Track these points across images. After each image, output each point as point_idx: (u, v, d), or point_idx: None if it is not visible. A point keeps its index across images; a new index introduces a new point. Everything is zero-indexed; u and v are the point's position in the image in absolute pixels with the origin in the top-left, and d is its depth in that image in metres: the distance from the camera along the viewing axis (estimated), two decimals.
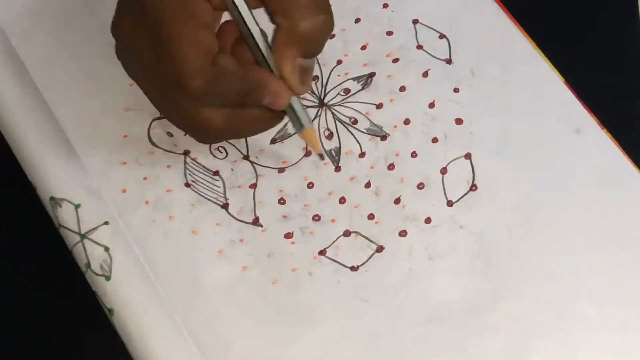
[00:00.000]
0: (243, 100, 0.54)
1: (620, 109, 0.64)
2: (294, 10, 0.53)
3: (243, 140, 0.62)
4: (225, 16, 0.55)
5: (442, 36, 0.64)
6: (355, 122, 0.62)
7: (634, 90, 0.65)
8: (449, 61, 0.64)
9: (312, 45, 0.55)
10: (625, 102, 0.64)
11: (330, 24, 0.54)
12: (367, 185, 0.61)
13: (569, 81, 0.63)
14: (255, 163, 0.61)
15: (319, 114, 0.63)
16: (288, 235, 0.60)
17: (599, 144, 0.61)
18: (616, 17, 0.67)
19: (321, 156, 0.59)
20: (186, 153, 0.62)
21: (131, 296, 0.57)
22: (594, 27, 0.67)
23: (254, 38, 0.54)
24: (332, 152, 0.62)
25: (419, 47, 0.64)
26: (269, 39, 0.55)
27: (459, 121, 0.62)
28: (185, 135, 0.62)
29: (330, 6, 0.54)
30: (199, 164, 0.61)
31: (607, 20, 0.67)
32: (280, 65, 0.54)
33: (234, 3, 0.54)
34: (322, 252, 0.59)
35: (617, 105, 0.64)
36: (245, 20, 0.54)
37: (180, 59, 0.52)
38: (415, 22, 0.65)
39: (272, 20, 0.54)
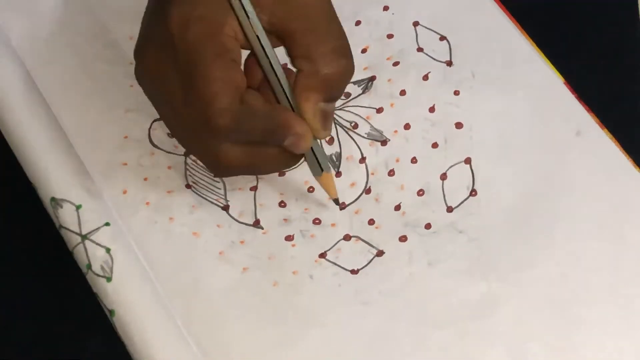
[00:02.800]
0: (266, 139, 0.54)
1: (620, 109, 0.64)
2: (317, 56, 0.53)
3: None
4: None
5: (442, 38, 0.64)
6: (356, 126, 0.62)
7: (634, 90, 0.65)
8: (449, 63, 0.64)
9: (334, 90, 0.55)
10: (625, 103, 0.64)
11: (352, 69, 0.55)
12: (368, 191, 0.61)
13: (569, 82, 0.63)
14: None
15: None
16: (289, 238, 0.60)
17: (600, 146, 0.61)
18: (616, 17, 0.67)
19: (336, 201, 0.59)
20: (187, 154, 0.62)
21: (132, 297, 0.57)
22: (594, 27, 0.67)
23: (278, 79, 0.54)
24: (333, 157, 0.62)
25: (420, 49, 0.64)
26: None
27: (459, 125, 0.62)
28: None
29: (351, 51, 0.55)
30: (200, 165, 0.61)
31: (607, 20, 0.67)
32: (302, 109, 0.54)
33: (260, 43, 0.53)
34: (322, 255, 0.59)
35: (617, 106, 0.64)
36: (271, 61, 0.54)
37: (210, 96, 0.52)
38: (415, 24, 0.65)
39: (293, 64, 0.54)
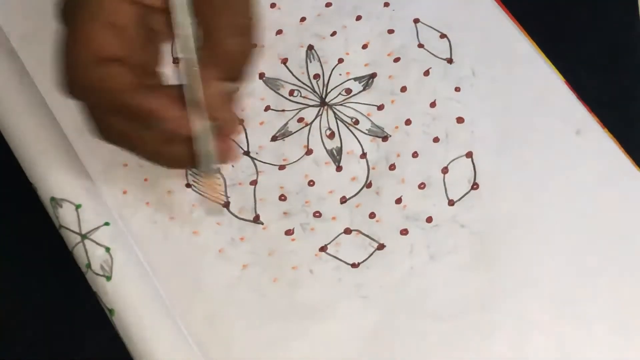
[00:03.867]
0: (139, 121, 0.52)
1: (620, 109, 0.64)
2: (218, 30, 0.52)
3: (243, 135, 0.62)
4: None
5: (443, 36, 0.64)
6: (357, 122, 0.62)
7: (634, 90, 0.65)
8: (449, 61, 0.64)
9: (232, 69, 0.53)
10: (625, 102, 0.64)
11: (249, 48, 0.53)
12: (369, 185, 0.61)
13: (569, 81, 0.63)
14: (256, 159, 0.62)
15: (320, 113, 0.63)
16: (289, 232, 0.60)
17: (600, 144, 0.61)
18: (616, 17, 0.67)
19: (223, 206, 0.59)
20: None
21: (132, 296, 0.57)
22: (594, 27, 0.66)
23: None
24: (334, 151, 0.62)
25: (420, 46, 0.64)
26: None
27: (460, 120, 0.62)
28: None
29: (252, 31, 0.53)
30: None
31: (607, 20, 0.67)
32: (202, 87, 0.52)
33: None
34: (322, 249, 0.59)
35: (617, 105, 0.64)
36: (175, 31, 0.52)
37: (70, 52, 0.52)
38: (416, 21, 0.65)
39: (203, 37, 0.53)
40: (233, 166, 0.61)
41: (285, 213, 0.60)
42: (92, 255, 0.58)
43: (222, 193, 0.60)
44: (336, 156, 0.62)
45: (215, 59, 0.52)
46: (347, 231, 0.60)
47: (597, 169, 0.61)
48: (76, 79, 0.52)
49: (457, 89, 0.63)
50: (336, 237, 0.59)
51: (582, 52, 0.65)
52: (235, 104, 0.54)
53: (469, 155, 0.61)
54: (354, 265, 0.59)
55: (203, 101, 0.52)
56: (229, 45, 0.52)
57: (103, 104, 0.52)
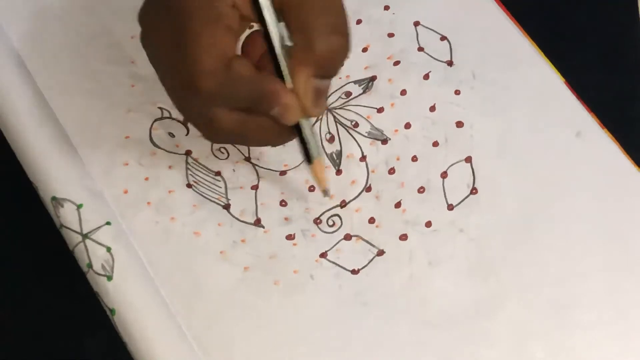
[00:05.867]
0: (253, 107, 0.54)
1: (620, 109, 0.64)
2: (311, 30, 0.53)
3: None
4: None
5: (443, 38, 0.65)
6: (357, 125, 0.62)
7: (634, 90, 0.65)
8: (450, 63, 0.64)
9: (327, 67, 0.54)
10: (625, 102, 0.65)
11: (346, 47, 0.54)
12: (368, 189, 0.61)
13: (569, 81, 0.63)
14: (257, 165, 0.62)
15: (320, 116, 0.63)
16: (290, 237, 0.60)
17: (600, 147, 0.61)
18: (616, 17, 0.67)
19: (325, 192, 0.59)
20: (188, 153, 0.62)
21: (133, 296, 0.57)
22: (594, 27, 0.67)
23: (274, 51, 0.54)
24: (334, 155, 0.62)
25: (420, 49, 0.64)
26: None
27: (459, 124, 0.62)
28: (187, 135, 0.62)
29: (348, 29, 0.54)
30: (201, 164, 0.62)
31: (607, 20, 0.67)
32: (294, 82, 0.54)
33: (262, 14, 0.53)
34: (323, 255, 0.59)
35: (617, 106, 0.64)
36: (271, 33, 0.54)
37: (196, 58, 0.52)
38: (416, 24, 0.65)
39: (291, 37, 0.54)
40: (234, 170, 0.62)
41: (286, 218, 0.60)
42: (93, 255, 0.58)
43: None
44: (336, 160, 0.62)
45: (310, 57, 0.53)
46: (347, 237, 0.60)
47: (598, 171, 0.61)
48: (205, 84, 0.52)
49: (457, 92, 0.63)
50: (337, 244, 0.60)
51: (582, 52, 0.66)
52: (323, 98, 0.56)
53: (468, 160, 0.61)
54: (354, 272, 0.59)
55: (299, 97, 0.54)
56: (326, 44, 0.53)
57: (229, 100, 0.54)
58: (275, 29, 0.54)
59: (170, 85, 0.56)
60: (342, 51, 0.54)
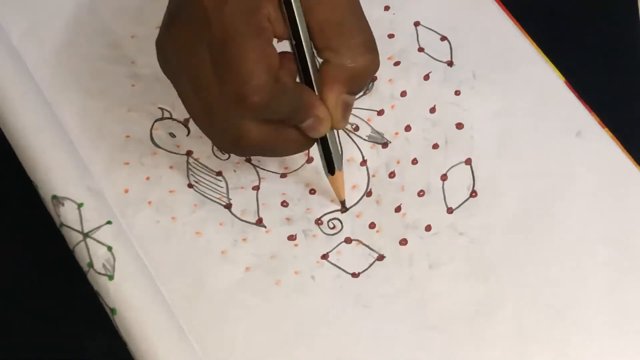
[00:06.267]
0: (291, 117, 0.55)
1: (620, 109, 0.64)
2: (344, 49, 0.55)
3: None
4: None
5: (443, 38, 0.65)
6: (357, 128, 0.62)
7: (634, 90, 0.65)
8: (450, 63, 0.64)
9: (358, 83, 0.56)
10: (625, 102, 0.64)
11: (377, 63, 0.56)
12: (369, 194, 0.61)
13: (569, 82, 0.63)
14: (258, 166, 0.62)
15: None
16: (291, 238, 0.60)
17: (600, 147, 0.61)
18: (616, 17, 0.67)
19: (343, 204, 0.60)
20: (189, 154, 0.62)
21: (134, 296, 0.57)
22: (594, 27, 0.67)
23: (309, 67, 0.55)
24: None
25: (420, 49, 0.64)
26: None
27: (459, 126, 0.62)
28: (187, 135, 0.62)
29: (376, 46, 0.56)
30: (202, 164, 0.62)
31: (607, 20, 0.67)
32: (326, 98, 0.55)
33: (297, 26, 0.54)
34: (324, 257, 0.59)
35: (617, 106, 0.64)
36: (304, 45, 0.55)
37: (248, 73, 0.52)
38: (416, 24, 0.65)
39: (320, 54, 0.55)
40: (235, 171, 0.62)
41: (287, 219, 0.60)
42: (94, 254, 0.58)
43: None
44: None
45: (343, 75, 0.55)
46: (348, 240, 0.60)
47: (598, 172, 0.61)
48: (257, 98, 0.53)
49: (457, 93, 0.63)
50: (337, 246, 0.60)
51: (582, 52, 0.66)
52: (349, 113, 0.57)
53: (468, 162, 0.61)
54: (354, 275, 0.59)
55: (330, 112, 0.56)
56: (358, 63, 0.55)
57: (274, 113, 0.54)
58: (310, 46, 0.55)
59: (197, 100, 0.55)
60: (372, 69, 0.56)
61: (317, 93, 0.56)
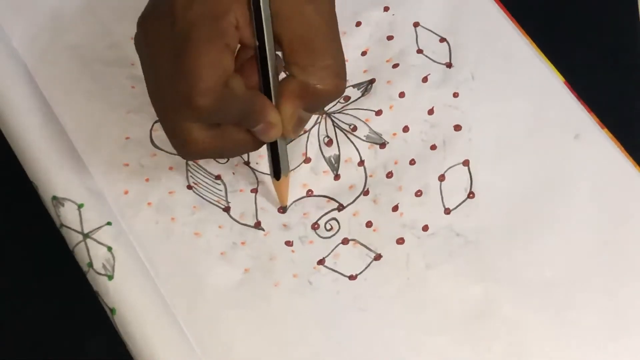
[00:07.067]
0: (240, 122, 0.55)
1: (620, 109, 0.64)
2: (311, 69, 0.54)
3: None
4: None
5: (442, 40, 0.64)
6: (355, 129, 0.63)
7: (634, 90, 0.65)
8: (449, 65, 0.64)
9: (317, 104, 0.56)
10: (625, 103, 0.64)
11: (342, 90, 0.55)
12: (366, 193, 0.61)
13: (569, 82, 0.63)
14: (256, 170, 0.62)
15: (318, 121, 0.63)
16: (288, 244, 0.60)
17: (600, 148, 0.61)
18: (616, 17, 0.67)
19: (284, 209, 0.60)
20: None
21: (133, 296, 0.57)
22: (594, 27, 0.66)
23: (268, 73, 0.55)
24: (332, 159, 0.62)
25: (419, 51, 0.64)
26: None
27: (457, 127, 0.62)
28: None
29: (346, 73, 0.55)
30: (201, 166, 0.62)
31: (607, 20, 0.67)
32: (282, 108, 0.55)
33: (263, 34, 0.54)
34: (321, 262, 0.60)
35: (617, 106, 0.64)
36: (268, 55, 0.55)
37: (196, 76, 0.52)
38: (416, 25, 0.65)
39: (287, 68, 0.55)
40: (234, 173, 0.62)
41: (284, 225, 0.61)
42: (94, 255, 0.58)
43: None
44: (334, 164, 0.62)
45: (304, 93, 0.55)
46: (345, 241, 0.60)
47: (597, 172, 0.61)
48: (202, 101, 0.52)
49: (456, 95, 0.63)
50: (334, 249, 0.60)
51: (582, 52, 0.65)
52: (302, 127, 0.57)
53: (466, 163, 0.61)
54: (351, 278, 0.59)
55: (283, 121, 0.56)
56: (324, 86, 0.55)
57: (221, 116, 0.54)
58: (273, 56, 0.55)
59: (157, 96, 0.55)
60: (336, 94, 0.55)
61: (273, 101, 0.55)
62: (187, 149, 0.55)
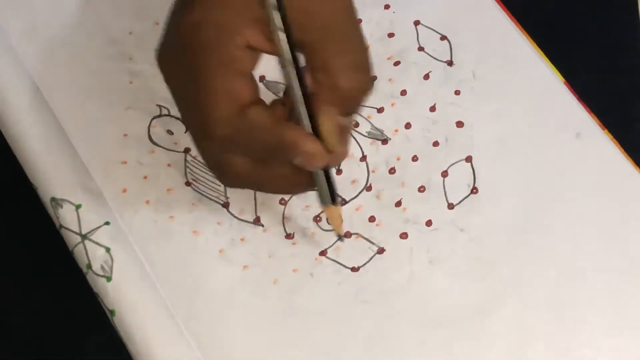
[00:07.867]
0: (270, 156, 0.53)
1: (620, 109, 0.64)
2: (335, 69, 0.52)
3: None
4: None
5: (443, 38, 0.64)
6: (357, 125, 0.62)
7: (634, 90, 0.65)
8: (450, 63, 0.64)
9: (350, 104, 0.53)
10: (625, 103, 0.64)
11: (371, 84, 0.53)
12: (369, 188, 0.61)
13: (569, 82, 0.63)
14: None
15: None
16: (289, 236, 0.60)
17: (600, 147, 0.61)
18: (616, 17, 0.67)
19: (340, 237, 0.59)
20: (187, 151, 0.62)
21: (132, 297, 0.57)
22: (594, 27, 0.66)
23: (294, 91, 0.52)
24: None
25: (420, 49, 0.64)
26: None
27: (459, 124, 0.62)
28: (185, 132, 0.62)
29: (371, 66, 0.53)
30: (200, 162, 0.61)
31: (607, 20, 0.67)
32: (319, 122, 0.52)
33: (283, 52, 0.51)
34: (322, 253, 0.59)
35: (617, 106, 0.64)
36: (288, 71, 0.52)
37: (208, 105, 0.51)
38: (416, 23, 0.65)
39: (312, 76, 0.52)
40: None
41: (285, 217, 0.60)
42: (92, 256, 0.58)
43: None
44: None
45: (336, 96, 0.52)
46: (347, 234, 0.60)
47: (597, 171, 0.61)
48: (219, 131, 0.51)
49: (457, 92, 0.63)
50: (336, 241, 0.59)
51: (582, 52, 0.65)
52: (348, 137, 0.54)
53: (469, 159, 0.61)
54: (354, 269, 0.59)
55: (326, 137, 0.53)
56: (351, 83, 0.52)
57: (245, 149, 0.52)
58: (293, 68, 0.52)
59: (187, 125, 0.55)
60: (366, 88, 0.53)
61: (306, 118, 0.52)
62: (225, 178, 0.54)
